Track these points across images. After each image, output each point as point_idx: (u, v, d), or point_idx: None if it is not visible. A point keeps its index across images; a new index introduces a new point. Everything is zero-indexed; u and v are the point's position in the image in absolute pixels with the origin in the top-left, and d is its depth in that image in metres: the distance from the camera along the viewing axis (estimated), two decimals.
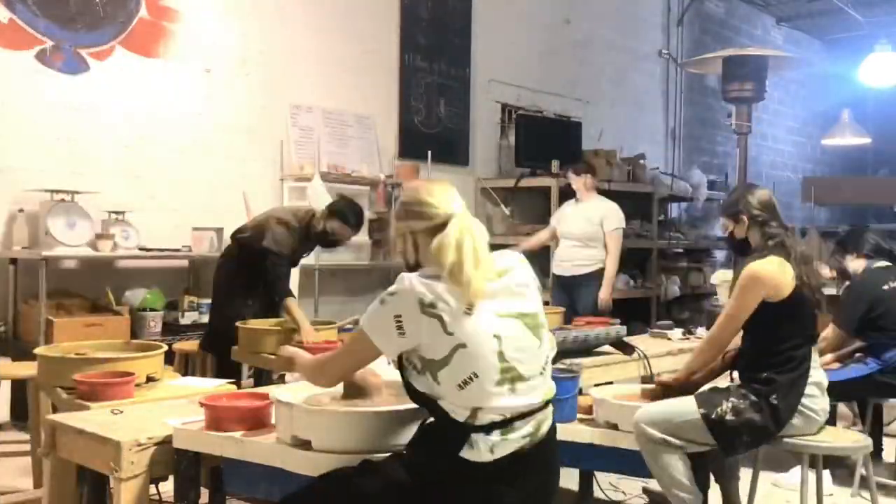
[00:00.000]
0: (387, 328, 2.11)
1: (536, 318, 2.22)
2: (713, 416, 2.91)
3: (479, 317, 2.10)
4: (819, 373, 3.14)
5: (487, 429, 2.08)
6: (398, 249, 2.34)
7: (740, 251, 3.34)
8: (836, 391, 4.06)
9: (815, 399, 3.06)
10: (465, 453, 2.08)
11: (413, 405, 2.23)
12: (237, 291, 4.54)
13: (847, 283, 4.51)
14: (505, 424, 2.11)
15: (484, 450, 2.09)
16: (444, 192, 2.27)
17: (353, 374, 2.37)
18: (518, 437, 2.13)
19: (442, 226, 2.19)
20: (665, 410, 2.93)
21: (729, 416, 2.92)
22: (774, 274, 3.03)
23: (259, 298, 4.52)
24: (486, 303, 2.12)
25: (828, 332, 4.22)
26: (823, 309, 3.10)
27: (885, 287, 4.19)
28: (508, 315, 2.16)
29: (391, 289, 2.14)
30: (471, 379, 2.07)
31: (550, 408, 2.26)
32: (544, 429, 2.22)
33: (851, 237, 4.54)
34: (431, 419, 2.17)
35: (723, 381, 3.21)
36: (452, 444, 2.09)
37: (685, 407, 2.94)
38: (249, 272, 4.49)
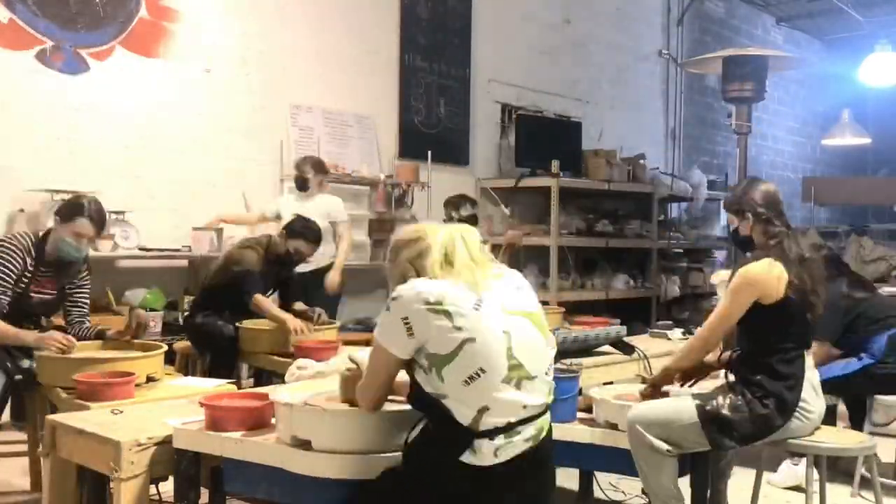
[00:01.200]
0: (397, 332, 2.13)
1: (540, 318, 2.24)
2: (707, 408, 2.92)
3: (487, 312, 2.12)
4: (813, 374, 3.15)
5: (491, 434, 2.09)
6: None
7: (743, 247, 3.33)
8: (837, 388, 4.09)
9: (810, 401, 3.06)
10: (468, 458, 2.08)
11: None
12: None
13: None
14: (509, 429, 2.11)
15: (488, 454, 2.09)
16: (429, 224, 2.36)
17: (388, 389, 2.31)
18: (521, 441, 2.13)
19: (431, 244, 2.24)
20: (662, 412, 2.93)
21: (724, 411, 2.92)
22: (765, 277, 3.00)
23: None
24: (493, 298, 2.15)
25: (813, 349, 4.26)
26: (818, 311, 3.08)
27: (841, 303, 4.23)
28: (516, 312, 2.18)
29: (394, 293, 2.16)
30: (478, 374, 2.07)
31: (549, 413, 2.27)
32: (545, 432, 2.23)
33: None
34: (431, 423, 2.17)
35: (718, 382, 3.22)
36: (454, 449, 2.08)
37: (682, 408, 2.94)
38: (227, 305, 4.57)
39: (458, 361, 2.07)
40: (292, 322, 4.39)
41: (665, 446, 2.85)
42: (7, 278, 3.68)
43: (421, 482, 2.11)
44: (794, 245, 3.10)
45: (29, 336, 3.57)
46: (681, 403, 2.97)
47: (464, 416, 2.08)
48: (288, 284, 4.84)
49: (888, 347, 4.07)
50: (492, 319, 2.12)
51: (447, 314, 2.08)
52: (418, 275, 2.24)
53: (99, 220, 3.81)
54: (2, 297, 3.66)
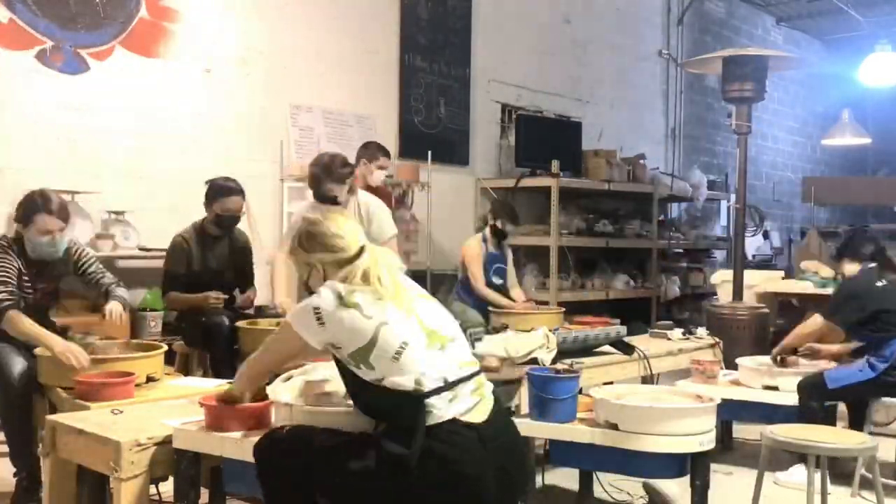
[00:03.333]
0: (307, 320, 2.28)
1: (446, 301, 2.46)
2: None
3: (391, 303, 2.30)
4: None
5: (437, 391, 2.21)
6: (303, 277, 2.51)
7: None
8: (846, 392, 4.09)
9: None
10: (430, 420, 2.18)
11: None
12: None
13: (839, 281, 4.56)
14: (451, 386, 2.24)
15: (442, 407, 2.19)
16: (351, 225, 2.49)
17: (276, 367, 2.55)
18: (466, 394, 2.26)
19: (353, 258, 2.37)
20: None
21: None
22: None
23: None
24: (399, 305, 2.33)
25: (812, 324, 4.31)
26: None
27: (878, 284, 4.21)
28: (418, 296, 2.40)
29: (315, 293, 2.33)
30: (402, 347, 2.22)
31: (483, 375, 2.39)
32: (487, 389, 2.35)
33: (850, 244, 4.54)
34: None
35: None
36: (414, 419, 2.16)
37: None
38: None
39: (380, 345, 2.22)
40: (205, 297, 4.48)
41: None
42: (9, 274, 3.68)
43: (400, 461, 2.15)
44: None
45: (57, 345, 3.49)
46: None
47: (406, 383, 2.20)
48: (245, 273, 4.85)
49: None
50: (398, 305, 2.30)
51: (356, 306, 2.25)
52: (325, 278, 2.39)
53: (58, 209, 3.75)
54: (13, 289, 3.67)
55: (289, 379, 2.63)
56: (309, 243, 2.45)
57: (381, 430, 2.23)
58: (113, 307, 3.86)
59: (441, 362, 2.26)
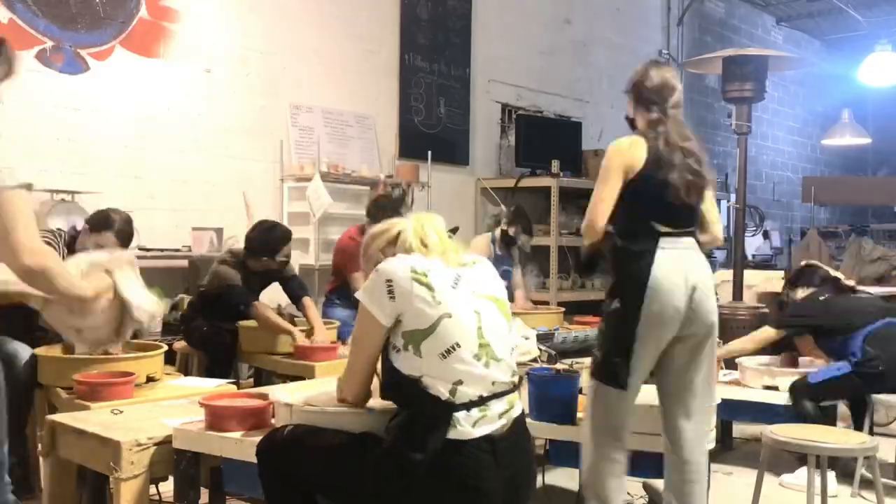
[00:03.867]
0: (379, 294, 2.20)
1: (506, 307, 2.36)
2: None
3: (462, 291, 2.24)
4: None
5: (467, 406, 2.15)
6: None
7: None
8: (834, 390, 4.12)
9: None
10: (451, 434, 2.13)
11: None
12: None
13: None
14: (482, 402, 2.18)
15: (466, 426, 2.14)
16: (394, 219, 2.49)
17: (373, 372, 2.35)
18: (495, 415, 2.20)
19: (401, 232, 2.37)
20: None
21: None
22: (621, 146, 3.19)
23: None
24: (466, 278, 2.27)
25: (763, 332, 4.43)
26: (690, 197, 2.98)
27: (822, 298, 4.39)
28: (484, 296, 2.29)
29: (385, 261, 2.27)
30: (453, 349, 2.16)
31: (517, 393, 2.33)
32: (516, 410, 2.29)
33: (801, 276, 4.65)
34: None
35: None
36: (436, 427, 2.12)
37: None
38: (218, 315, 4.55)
39: (436, 335, 2.16)
40: (321, 332, 4.38)
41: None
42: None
43: (407, 462, 2.13)
44: (671, 130, 3.00)
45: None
46: None
47: (441, 391, 2.14)
48: (288, 281, 4.80)
49: (866, 345, 4.10)
50: (466, 298, 2.23)
51: (429, 287, 2.19)
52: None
53: (125, 236, 3.89)
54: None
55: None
56: (365, 248, 2.46)
57: (398, 422, 2.19)
58: None
59: (481, 378, 2.19)
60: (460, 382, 2.16)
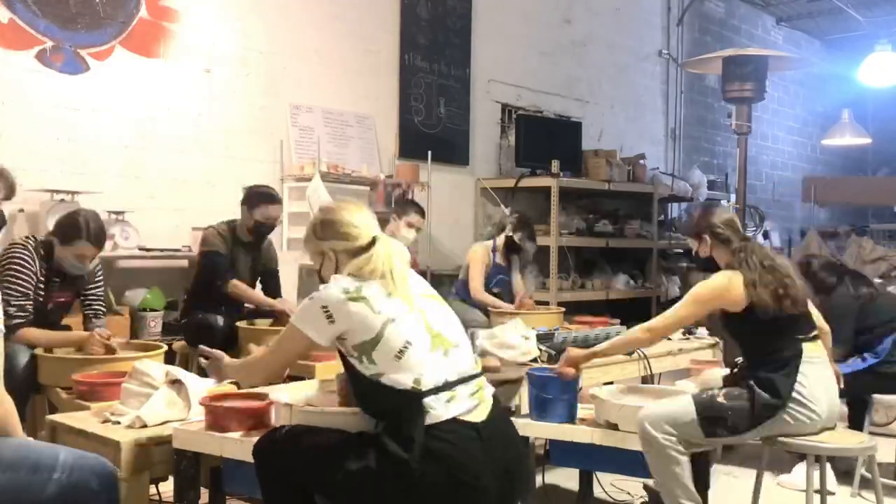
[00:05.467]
0: (316, 319, 2.27)
1: (446, 299, 2.47)
2: (704, 396, 3.04)
3: (399, 300, 2.30)
4: (826, 373, 3.16)
5: (434, 391, 2.20)
6: (315, 267, 2.52)
7: (706, 267, 3.43)
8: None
9: (816, 400, 3.07)
10: (427, 420, 2.17)
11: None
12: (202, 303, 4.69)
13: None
14: (447, 387, 2.23)
15: (440, 407, 2.18)
16: (365, 215, 2.49)
17: (285, 368, 2.57)
18: (465, 395, 2.24)
19: (365, 248, 2.38)
20: (666, 409, 2.98)
21: (719, 399, 3.01)
22: (719, 289, 3.14)
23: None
24: (401, 293, 2.34)
25: None
26: (797, 303, 3.14)
27: (856, 296, 4.33)
28: (426, 296, 2.39)
29: (321, 287, 2.32)
30: (406, 347, 2.22)
31: (483, 377, 2.38)
32: (487, 392, 2.34)
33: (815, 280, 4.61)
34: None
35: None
36: (414, 417, 2.16)
37: (685, 402, 3.02)
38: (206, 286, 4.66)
39: (385, 341, 2.22)
40: (283, 304, 4.51)
41: (675, 442, 2.89)
42: (27, 284, 3.70)
43: (402, 461, 2.14)
44: (754, 254, 3.18)
45: (78, 339, 3.67)
46: (684, 399, 3.04)
47: (404, 382, 2.20)
48: (270, 276, 4.89)
49: (894, 348, 4.08)
50: (403, 303, 2.31)
51: (365, 300, 2.25)
52: (336, 266, 2.41)
53: (98, 239, 3.83)
54: (26, 303, 3.68)
55: None
56: (323, 231, 2.47)
57: (380, 428, 2.23)
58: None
59: (442, 366, 2.25)
60: (421, 375, 2.21)
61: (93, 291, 4.05)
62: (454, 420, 2.19)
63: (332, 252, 2.44)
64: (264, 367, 2.52)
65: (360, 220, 2.46)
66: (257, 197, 4.71)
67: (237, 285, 4.56)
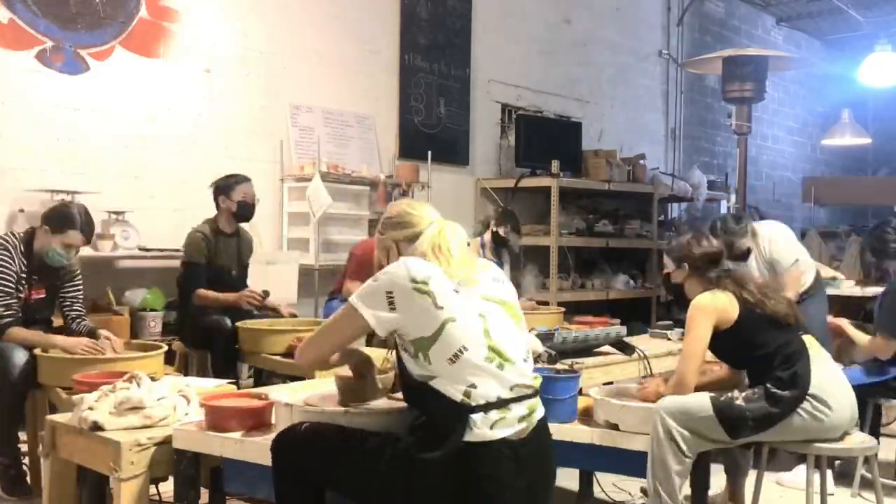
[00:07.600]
0: (378, 303, 2.19)
1: (514, 309, 2.35)
2: (722, 399, 3.01)
3: (466, 296, 2.22)
4: (837, 377, 3.15)
5: (484, 408, 2.13)
6: (381, 263, 2.43)
7: (674, 292, 3.40)
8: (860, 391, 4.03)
9: (830, 401, 3.05)
10: (467, 436, 2.10)
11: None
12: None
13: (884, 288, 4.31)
14: (501, 405, 2.16)
15: (484, 427, 2.12)
16: (424, 206, 2.47)
17: (334, 352, 2.41)
18: (514, 418, 2.17)
19: (422, 234, 2.35)
20: (684, 403, 2.99)
21: (738, 402, 3.00)
22: (714, 302, 3.12)
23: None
24: (473, 286, 2.26)
25: (866, 343, 4.08)
26: (781, 309, 3.14)
27: None
28: (492, 299, 2.29)
29: (386, 268, 2.25)
30: (461, 352, 2.14)
31: (538, 398, 2.30)
32: (538, 415, 2.26)
33: (879, 242, 4.48)
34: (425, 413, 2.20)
35: None
36: (453, 430, 2.10)
37: (702, 401, 3.01)
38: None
39: (442, 341, 2.14)
40: (239, 297, 4.60)
41: (688, 435, 2.90)
42: (10, 282, 3.70)
43: (422, 462, 2.12)
44: (732, 280, 3.20)
45: (65, 342, 3.64)
46: (700, 398, 3.03)
47: (454, 393, 2.13)
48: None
49: None
50: (469, 302, 2.21)
51: (430, 294, 2.16)
52: (399, 255, 2.34)
53: (89, 230, 3.87)
54: (11, 302, 3.68)
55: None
56: (384, 226, 2.46)
57: (417, 423, 2.19)
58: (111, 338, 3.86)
59: (496, 380, 2.17)
60: (473, 385, 2.13)
61: (72, 292, 4.04)
62: (494, 441, 2.13)
63: (394, 242, 2.41)
64: (316, 347, 2.39)
65: (420, 209, 2.45)
66: (232, 180, 4.81)
67: (204, 295, 4.61)
